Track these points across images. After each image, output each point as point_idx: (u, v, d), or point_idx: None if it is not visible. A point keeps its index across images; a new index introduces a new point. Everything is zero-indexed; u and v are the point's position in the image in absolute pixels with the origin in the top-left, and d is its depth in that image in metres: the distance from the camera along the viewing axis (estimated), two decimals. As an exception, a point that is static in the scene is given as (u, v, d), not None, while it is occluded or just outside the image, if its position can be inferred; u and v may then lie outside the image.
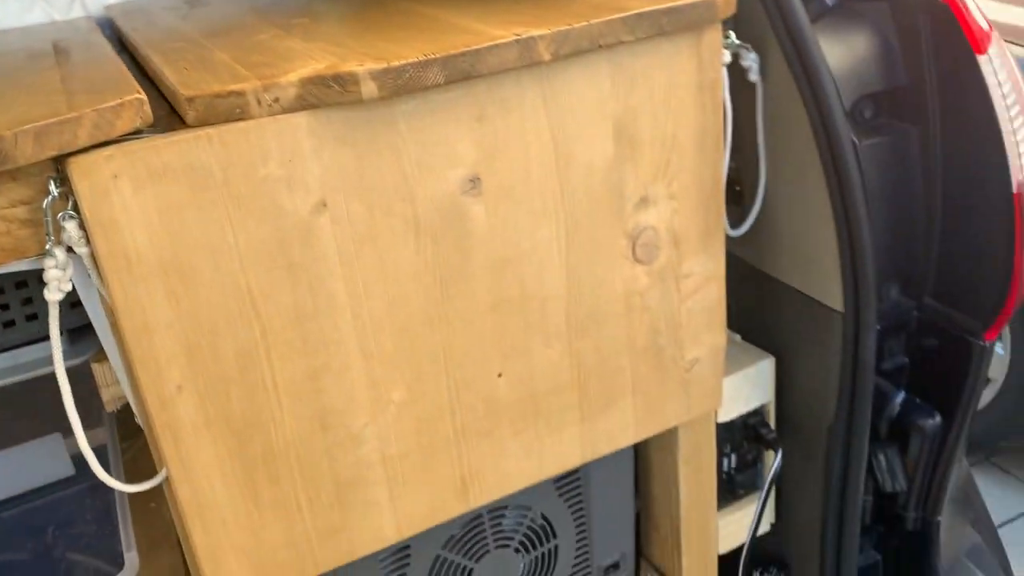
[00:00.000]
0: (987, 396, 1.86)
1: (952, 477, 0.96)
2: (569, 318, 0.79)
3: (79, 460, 1.07)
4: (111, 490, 1.07)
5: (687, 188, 0.80)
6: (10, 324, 0.71)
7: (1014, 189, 0.78)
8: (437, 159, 0.68)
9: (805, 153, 0.85)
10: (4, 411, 1.01)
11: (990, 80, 0.76)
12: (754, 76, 0.83)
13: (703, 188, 0.81)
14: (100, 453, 1.01)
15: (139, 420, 0.71)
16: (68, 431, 1.09)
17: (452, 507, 0.80)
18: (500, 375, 0.78)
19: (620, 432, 0.87)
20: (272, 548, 0.73)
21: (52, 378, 0.61)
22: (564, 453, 0.84)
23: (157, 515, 0.92)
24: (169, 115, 0.65)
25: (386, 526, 0.77)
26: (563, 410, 0.82)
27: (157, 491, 0.97)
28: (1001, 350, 1.83)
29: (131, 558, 0.75)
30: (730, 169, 0.99)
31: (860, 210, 0.82)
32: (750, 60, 0.82)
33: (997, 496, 1.97)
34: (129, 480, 0.85)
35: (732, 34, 0.79)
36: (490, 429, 0.79)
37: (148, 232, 0.60)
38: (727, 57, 0.78)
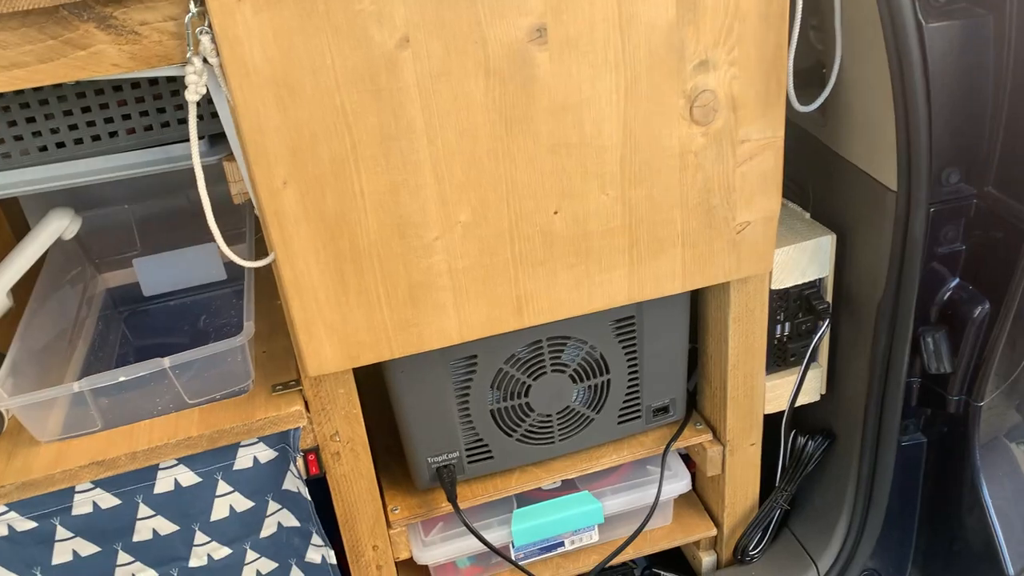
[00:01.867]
0: None
1: (995, 363, 0.99)
2: (624, 167, 0.89)
3: (230, 267, 1.29)
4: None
5: (748, 56, 0.86)
6: (165, 124, 0.89)
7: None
8: (508, 7, 0.78)
9: (875, 32, 0.88)
10: (170, 223, 1.23)
11: (1064, -36, 0.77)
12: (830, -47, 0.87)
13: (765, 57, 0.87)
14: (238, 270, 1.21)
15: (256, 211, 0.88)
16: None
17: (508, 321, 0.94)
18: (556, 212, 0.89)
19: (667, 279, 0.96)
20: (356, 329, 0.89)
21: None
22: (612, 291, 0.95)
23: (280, 309, 1.12)
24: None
25: (450, 327, 0.92)
26: (613, 251, 0.93)
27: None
28: None
29: (248, 326, 0.94)
30: (817, 52, 1.03)
31: (918, 92, 0.85)
32: (827, -64, 0.85)
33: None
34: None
35: (804, -92, 0.83)
36: (544, 259, 0.91)
37: (263, 49, 0.74)
38: (798, -69, 0.83)
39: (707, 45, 0.85)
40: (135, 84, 0.87)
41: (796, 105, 0.95)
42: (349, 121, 0.79)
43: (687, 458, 1.21)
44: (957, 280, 0.99)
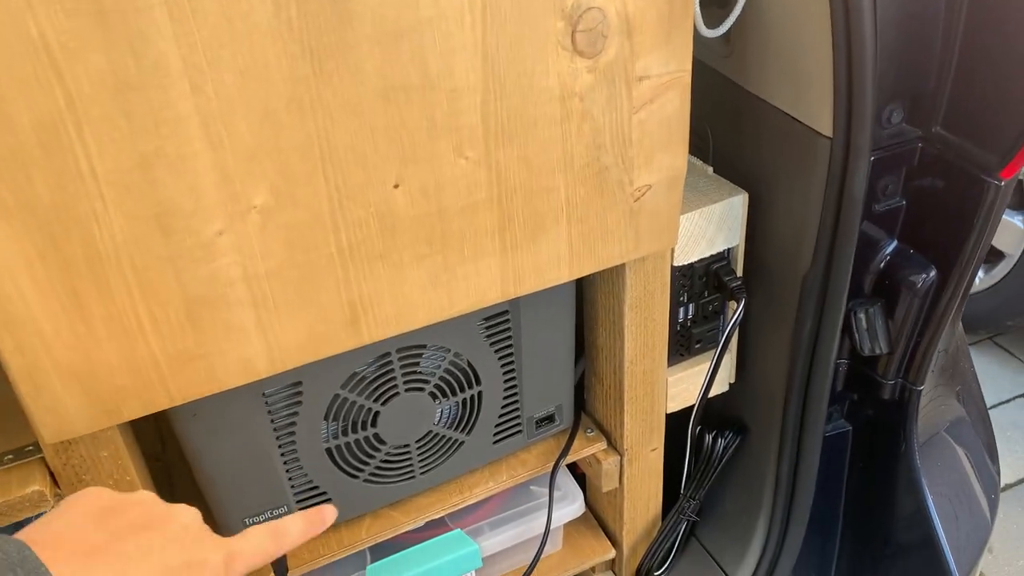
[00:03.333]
0: (999, 272, 1.72)
1: (941, 343, 0.82)
2: (487, 119, 0.64)
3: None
4: None
5: (646, -41, 0.63)
6: None
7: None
8: None
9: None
10: None
11: None
12: None
13: (668, -39, 0.64)
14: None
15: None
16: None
17: (340, 339, 0.68)
18: (397, 186, 0.63)
19: (551, 267, 0.73)
20: (109, 371, 0.61)
21: None
22: (480, 287, 0.71)
23: None
24: None
25: (255, 355, 0.65)
26: (479, 235, 0.68)
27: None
28: (1022, 222, 1.67)
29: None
30: (717, -40, 0.81)
31: (865, 20, 0.65)
32: None
33: (995, 376, 1.88)
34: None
35: None
36: (385, 251, 0.66)
37: None
38: None
39: (593, -58, 0.61)
40: None
41: (702, 30, 0.72)
42: (57, 62, 0.50)
43: (572, 467, 1.00)
44: (895, 243, 0.81)
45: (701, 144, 0.89)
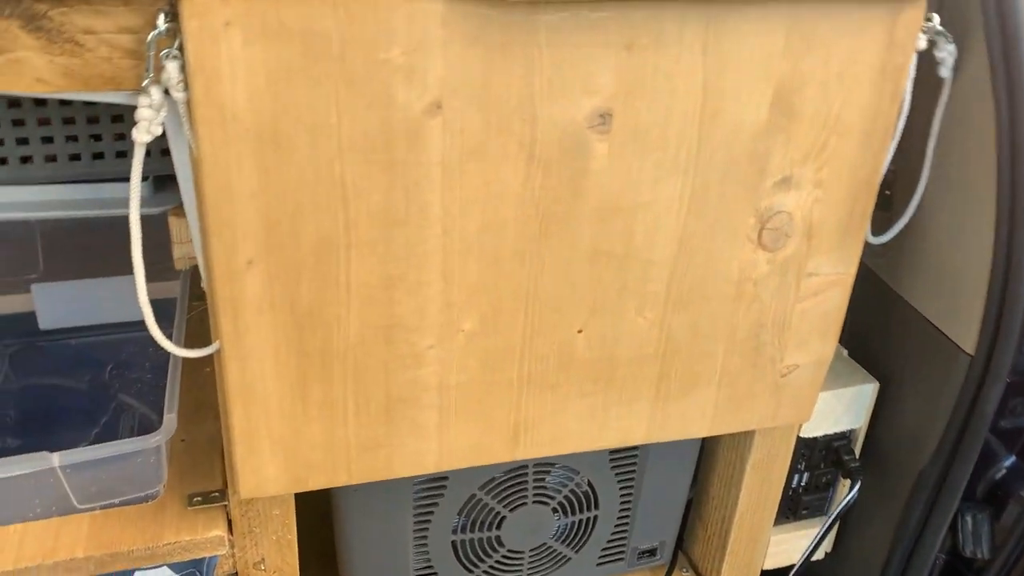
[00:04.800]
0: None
1: (1045, 561, 0.86)
2: (671, 288, 0.72)
3: (154, 304, 1.08)
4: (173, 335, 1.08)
5: (838, 178, 0.71)
6: (99, 156, 0.68)
7: None
8: (571, 83, 0.61)
9: (979, 173, 0.74)
10: (85, 243, 1.01)
11: None
12: (946, 72, 0.73)
13: (855, 182, 0.72)
14: (167, 306, 1.01)
15: (204, 286, 0.68)
16: (148, 276, 1.09)
17: (499, 452, 0.76)
18: (581, 331, 0.72)
19: (694, 421, 0.80)
20: (309, 447, 0.70)
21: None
22: (629, 428, 0.79)
23: (211, 380, 0.91)
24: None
25: (428, 453, 0.74)
26: (639, 383, 0.76)
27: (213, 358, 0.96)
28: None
29: (170, 420, 0.73)
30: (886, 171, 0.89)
31: (1027, 251, 0.72)
32: (946, 52, 0.71)
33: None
34: (189, 341, 0.84)
35: (936, 18, 0.68)
36: (557, 384, 0.74)
37: (250, 91, 0.55)
38: (922, 43, 0.68)
39: (795, 159, 0.69)
40: (64, 100, 0.67)
41: (868, 236, 0.80)
42: (348, 196, 0.61)
43: (662, 602, 1.05)
44: (1013, 459, 0.86)
45: (839, 326, 0.96)
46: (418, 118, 0.59)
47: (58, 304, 1.05)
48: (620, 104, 0.63)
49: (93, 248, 1.07)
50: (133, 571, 0.74)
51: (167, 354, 1.07)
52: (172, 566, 0.75)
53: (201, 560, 0.75)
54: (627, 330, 0.73)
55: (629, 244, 0.69)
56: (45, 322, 1.05)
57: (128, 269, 1.09)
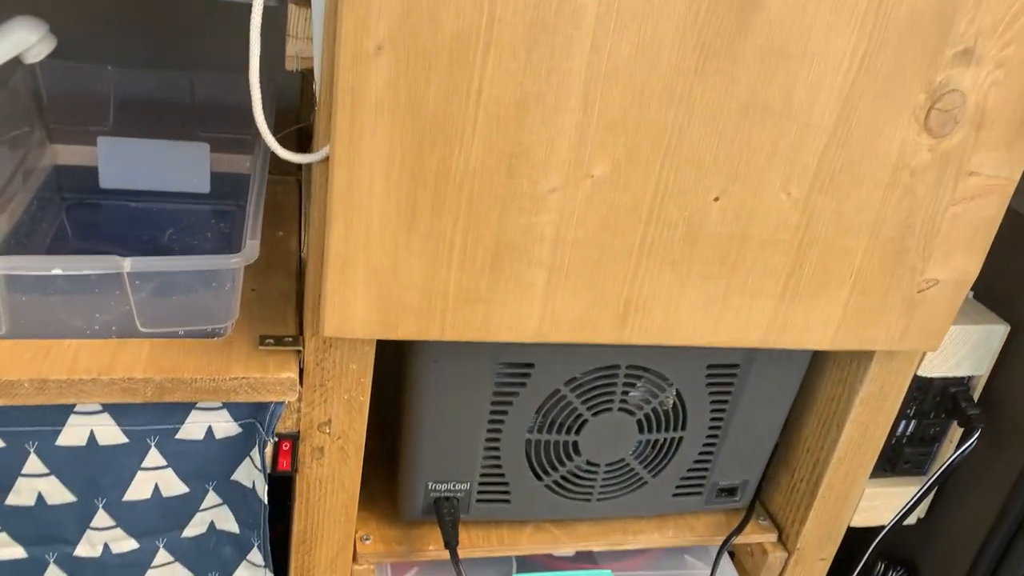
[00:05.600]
0: None
1: None
2: (822, 163, 0.65)
3: (219, 180, 1.02)
4: (236, 214, 1.01)
5: (1023, 60, 0.64)
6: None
7: None
8: None
9: None
10: (159, 99, 0.96)
11: None
12: None
13: (1041, 69, 0.65)
14: (240, 181, 0.95)
15: (316, 88, 0.61)
16: (215, 147, 1.03)
17: (604, 330, 0.69)
18: (717, 199, 0.65)
19: (817, 328, 0.72)
20: (406, 286, 0.63)
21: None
22: (747, 325, 0.71)
23: (280, 246, 0.84)
24: None
25: (530, 318, 0.66)
26: (768, 271, 0.69)
27: (286, 219, 0.90)
28: None
29: (252, 245, 0.66)
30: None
31: None
32: None
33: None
34: (268, 215, 0.77)
35: None
36: (680, 258, 0.67)
37: None
38: None
39: (982, 27, 0.62)
40: None
41: (1032, 148, 0.72)
42: (499, -18, 0.54)
43: (731, 554, 0.96)
44: None
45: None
46: (592, -101, 0.53)
47: (122, 162, 0.99)
48: (809, -75, 0.56)
49: (164, 111, 1.02)
50: (190, 407, 0.67)
51: (228, 225, 1.01)
52: (233, 410, 0.68)
53: (265, 407, 0.68)
54: (767, 206, 0.66)
55: (789, 100, 0.62)
56: (107, 179, 0.99)
57: (194, 135, 1.03)
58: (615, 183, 0.63)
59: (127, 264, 0.63)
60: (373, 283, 0.62)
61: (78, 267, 0.62)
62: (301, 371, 0.69)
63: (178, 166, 1.01)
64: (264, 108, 0.59)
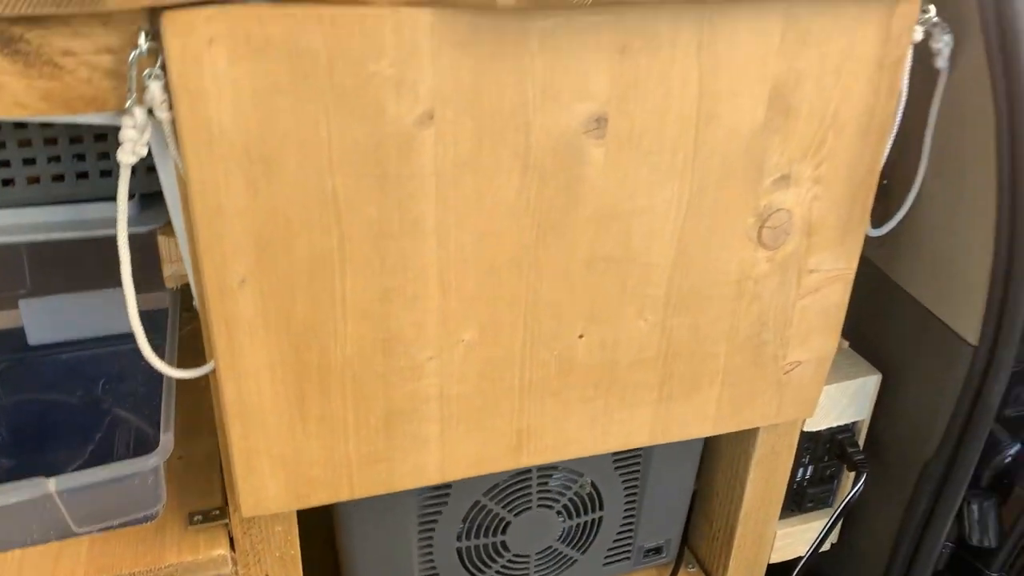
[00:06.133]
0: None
1: (1051, 548, 0.86)
2: (670, 290, 0.71)
3: (144, 316, 1.06)
4: (166, 348, 1.06)
5: (836, 174, 0.70)
6: (83, 176, 0.67)
7: None
8: (565, 89, 0.60)
9: (978, 159, 0.73)
10: (72, 258, 1.00)
11: None
12: (943, 62, 0.72)
13: (854, 177, 0.71)
14: (159, 317, 0.99)
15: (196, 304, 0.67)
16: (138, 288, 1.08)
17: (502, 460, 0.75)
18: (581, 336, 0.71)
19: (697, 422, 0.79)
20: (310, 464, 0.69)
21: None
22: (631, 431, 0.78)
23: (207, 394, 0.90)
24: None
25: (430, 464, 0.73)
26: (640, 387, 0.75)
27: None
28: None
29: (167, 440, 0.72)
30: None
31: (1030, 240, 0.71)
32: (943, 43, 0.70)
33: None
34: (182, 356, 0.82)
35: (932, 9, 0.67)
36: (558, 390, 0.73)
37: (236, 110, 0.54)
38: (918, 35, 0.67)
39: (792, 157, 0.68)
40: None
41: (869, 230, 0.79)
42: (340, 211, 0.59)
43: (669, 599, 1.04)
44: (1019, 446, 0.86)
45: (839, 318, 0.95)
46: (409, 130, 0.58)
47: (46, 319, 1.04)
48: (615, 108, 0.62)
49: (80, 262, 1.06)
50: (135, 594, 0.73)
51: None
52: (174, 588, 0.74)
53: (205, 580, 0.74)
54: (628, 334, 0.72)
55: (627, 248, 0.68)
56: (34, 337, 1.04)
57: (117, 281, 1.07)
58: (485, 342, 0.69)
59: (52, 485, 0.68)
60: (279, 468, 0.68)
61: (6, 496, 0.67)
62: (231, 540, 0.75)
63: (102, 312, 1.06)
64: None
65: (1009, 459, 0.86)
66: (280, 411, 0.66)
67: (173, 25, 0.50)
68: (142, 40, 0.51)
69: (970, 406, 0.80)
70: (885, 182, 0.88)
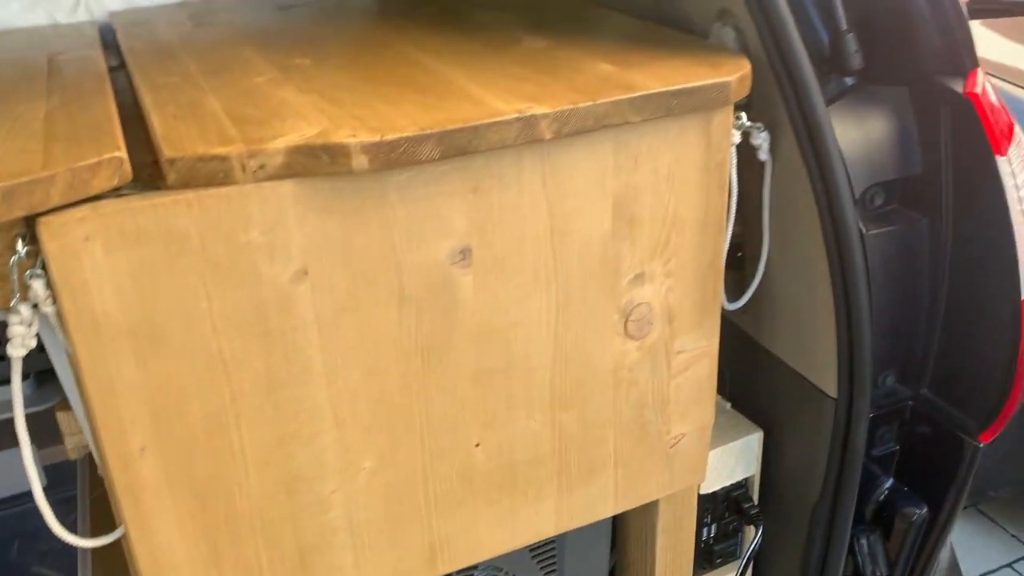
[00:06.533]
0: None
1: (934, 569, 0.93)
2: (554, 390, 0.77)
3: (53, 470, 1.06)
4: (72, 500, 1.06)
5: (685, 265, 0.78)
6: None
7: (1022, 296, 0.76)
8: (427, 230, 0.65)
9: (810, 236, 0.82)
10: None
11: (1007, 182, 0.74)
12: (764, 155, 0.80)
13: (701, 266, 0.79)
14: (66, 468, 0.99)
15: (101, 473, 0.69)
16: (43, 443, 1.07)
17: (418, 573, 0.78)
18: (478, 445, 0.76)
19: (599, 504, 0.84)
20: (229, 609, 0.71)
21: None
22: (539, 524, 0.82)
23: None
24: (152, 165, 0.62)
25: (349, 590, 0.75)
26: (541, 481, 0.80)
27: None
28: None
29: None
30: (734, 234, 0.97)
31: (862, 302, 0.79)
32: (760, 139, 0.79)
33: (982, 546, 1.95)
34: (94, 520, 0.83)
35: (744, 115, 0.76)
36: (463, 499, 0.77)
37: (118, 294, 0.57)
38: (737, 138, 0.76)
39: (643, 258, 0.75)
40: (-70, 318, 0.67)
41: (724, 304, 0.87)
42: (228, 370, 0.63)
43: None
44: (892, 481, 0.94)
45: (719, 379, 1.03)
46: (286, 287, 0.62)
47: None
48: (476, 239, 0.68)
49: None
50: None
51: (75, 519, 1.06)
52: None
53: None
54: (521, 435, 0.77)
55: (508, 359, 0.74)
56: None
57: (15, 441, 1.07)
58: (386, 467, 0.72)
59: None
60: (200, 619, 0.70)
61: None
62: None
63: (6, 472, 1.05)
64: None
65: (885, 493, 0.94)
66: (194, 564, 0.68)
67: (48, 230, 0.54)
68: (19, 246, 0.54)
69: (841, 452, 0.88)
70: (740, 254, 0.97)
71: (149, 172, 0.61)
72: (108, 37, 1.04)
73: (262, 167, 0.58)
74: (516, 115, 0.62)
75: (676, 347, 0.81)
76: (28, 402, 0.67)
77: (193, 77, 0.74)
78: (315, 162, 0.59)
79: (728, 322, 1.00)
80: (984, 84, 0.75)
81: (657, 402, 0.83)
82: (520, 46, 0.80)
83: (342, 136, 0.59)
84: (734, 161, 0.78)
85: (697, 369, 0.83)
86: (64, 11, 1.08)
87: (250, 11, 1.01)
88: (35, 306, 0.57)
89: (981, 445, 0.84)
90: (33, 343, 0.58)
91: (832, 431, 0.87)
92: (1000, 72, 1.65)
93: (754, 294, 0.93)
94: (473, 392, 0.73)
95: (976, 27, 1.36)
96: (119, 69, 0.88)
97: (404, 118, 0.62)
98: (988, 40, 1.81)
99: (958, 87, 0.76)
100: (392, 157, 0.60)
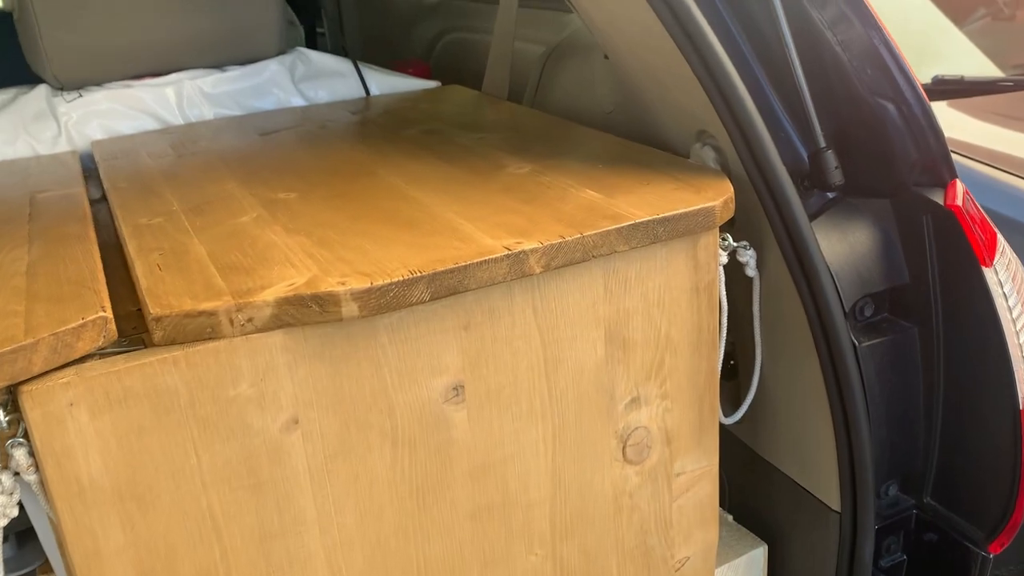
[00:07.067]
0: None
1: None
2: (554, 522, 0.75)
3: None
4: None
5: (680, 386, 0.77)
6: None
7: (1020, 405, 0.75)
8: (419, 368, 0.64)
9: (802, 349, 0.82)
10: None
11: (995, 291, 0.74)
12: (751, 272, 0.81)
13: (697, 385, 0.78)
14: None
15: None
16: None
17: None
18: (478, 582, 0.73)
19: (604, 635, 0.81)
20: None
21: None
22: (543, 660, 0.79)
23: None
24: (137, 313, 0.61)
25: None
26: (544, 616, 0.77)
27: None
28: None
29: None
30: (727, 343, 0.96)
31: (860, 415, 0.78)
32: (747, 256, 0.79)
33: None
34: None
35: (729, 237, 0.76)
36: (465, 639, 0.74)
37: (104, 458, 0.55)
38: (724, 258, 0.76)
39: (638, 381, 0.75)
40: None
41: (722, 419, 0.86)
42: (219, 526, 0.61)
43: None
44: (902, 592, 0.91)
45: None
46: (277, 437, 0.61)
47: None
48: (469, 375, 0.67)
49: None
50: None
51: None
52: None
53: None
54: (521, 570, 0.75)
55: (506, 493, 0.72)
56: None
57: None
58: (383, 612, 0.70)
59: None
60: None
61: None
62: None
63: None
64: None
65: (896, 605, 0.91)
66: None
67: (31, 398, 0.52)
68: (0, 416, 0.53)
69: (848, 564, 0.86)
70: (732, 363, 0.96)
71: (134, 325, 0.60)
72: (89, 163, 1.04)
73: (250, 320, 0.57)
74: (505, 252, 0.62)
75: (676, 468, 0.80)
76: (8, 565, 0.64)
77: (177, 216, 0.74)
78: (305, 312, 0.58)
79: (726, 431, 0.99)
80: (964, 195, 0.76)
81: (660, 526, 0.81)
82: (505, 172, 0.81)
83: (331, 284, 0.58)
84: (723, 282, 0.78)
85: (698, 489, 0.82)
86: (45, 143, 1.09)
87: (232, 137, 1.02)
88: (16, 474, 0.55)
89: (990, 556, 0.82)
90: (15, 512, 0.56)
91: (838, 545, 0.85)
92: (970, 152, 1.68)
93: (752, 404, 0.92)
94: (471, 530, 0.71)
95: (942, 108, 1.39)
96: (102, 201, 0.88)
97: (393, 260, 0.61)
98: (954, 120, 1.86)
99: (938, 198, 0.77)
100: (383, 303, 0.59)
